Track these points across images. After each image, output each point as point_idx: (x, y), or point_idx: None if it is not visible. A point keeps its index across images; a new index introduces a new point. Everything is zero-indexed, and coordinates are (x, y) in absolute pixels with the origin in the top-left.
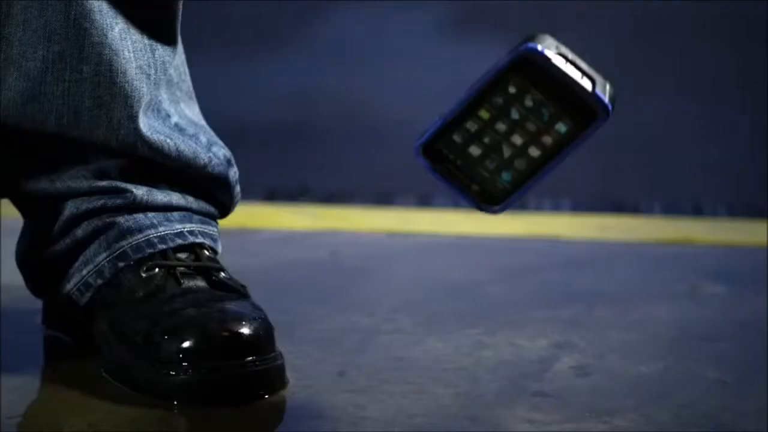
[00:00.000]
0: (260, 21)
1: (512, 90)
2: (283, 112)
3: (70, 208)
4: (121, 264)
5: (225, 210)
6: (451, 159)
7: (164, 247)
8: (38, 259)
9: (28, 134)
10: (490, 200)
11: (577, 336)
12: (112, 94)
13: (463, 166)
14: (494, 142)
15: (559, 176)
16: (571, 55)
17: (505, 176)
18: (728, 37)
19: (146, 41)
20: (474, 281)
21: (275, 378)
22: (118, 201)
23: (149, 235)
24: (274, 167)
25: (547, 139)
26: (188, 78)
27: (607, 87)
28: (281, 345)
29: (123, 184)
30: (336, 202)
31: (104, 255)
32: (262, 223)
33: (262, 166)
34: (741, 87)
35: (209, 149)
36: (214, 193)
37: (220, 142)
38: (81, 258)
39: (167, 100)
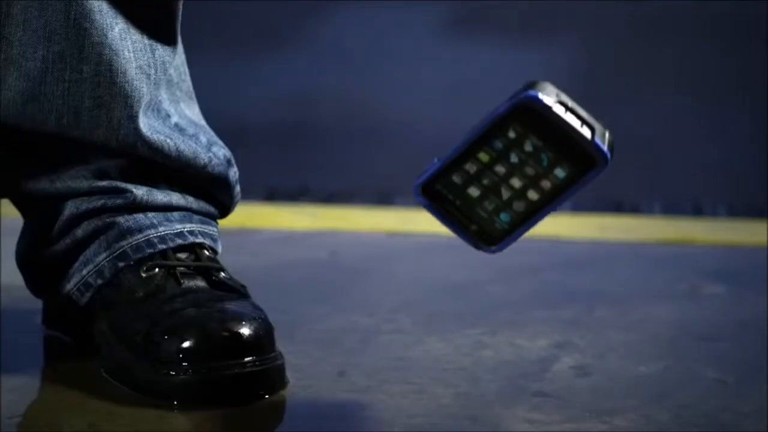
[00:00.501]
0: (260, 21)
1: (512, 135)
2: (283, 112)
3: (70, 208)
4: (121, 264)
5: (225, 210)
6: (450, 199)
7: (164, 247)
8: (38, 259)
9: (28, 134)
10: (488, 240)
11: (577, 336)
12: (112, 94)
13: (462, 206)
14: (493, 184)
15: None
16: (570, 103)
17: (504, 217)
18: (728, 37)
19: (146, 41)
20: (474, 281)
21: (275, 378)
22: (118, 201)
23: (149, 235)
24: (274, 167)
25: (546, 184)
26: (188, 78)
27: (606, 135)
28: (281, 345)
29: (123, 184)
30: (336, 202)
31: (104, 255)
32: (262, 223)
33: (262, 166)
34: (741, 87)
35: (209, 149)
36: (214, 193)
37: (220, 142)
38: (81, 258)
39: (167, 100)
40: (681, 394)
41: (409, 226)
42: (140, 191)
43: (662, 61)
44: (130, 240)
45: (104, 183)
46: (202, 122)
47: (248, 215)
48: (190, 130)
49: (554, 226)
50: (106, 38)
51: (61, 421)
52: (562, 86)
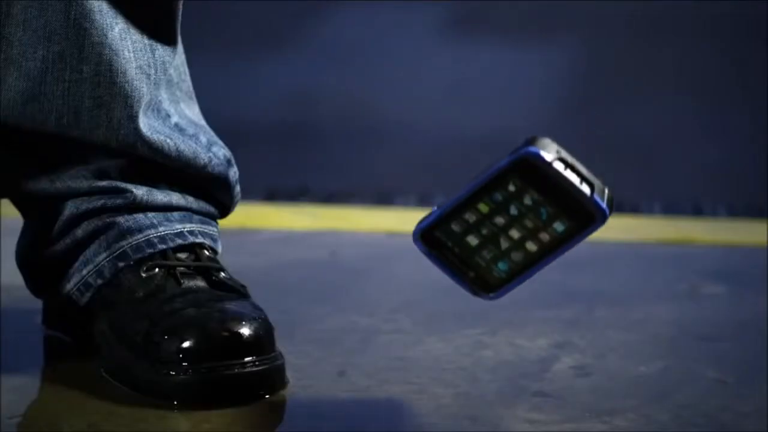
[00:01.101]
0: (260, 21)
1: (512, 188)
2: (283, 112)
3: (70, 208)
4: (121, 264)
5: (225, 210)
6: (449, 246)
7: (164, 247)
8: (38, 259)
9: (28, 134)
10: (485, 287)
11: (577, 336)
12: (112, 94)
13: (460, 253)
14: (492, 234)
15: None
16: (570, 160)
17: (502, 266)
18: (728, 37)
19: (146, 41)
20: None
21: (275, 378)
22: (118, 201)
23: (149, 235)
24: (274, 167)
25: (545, 236)
26: (188, 78)
27: (605, 191)
28: (281, 345)
29: (123, 184)
30: (336, 202)
31: (104, 255)
32: (262, 223)
33: (262, 166)
34: (741, 87)
35: (209, 149)
36: (214, 193)
37: (220, 142)
38: (81, 258)
39: (167, 100)
40: (681, 394)
41: (409, 226)
42: (140, 191)
43: (662, 61)
44: (130, 240)
45: (104, 183)
46: (202, 122)
47: (248, 215)
48: (190, 130)
49: None
50: (106, 38)
51: (61, 421)
52: (561, 89)
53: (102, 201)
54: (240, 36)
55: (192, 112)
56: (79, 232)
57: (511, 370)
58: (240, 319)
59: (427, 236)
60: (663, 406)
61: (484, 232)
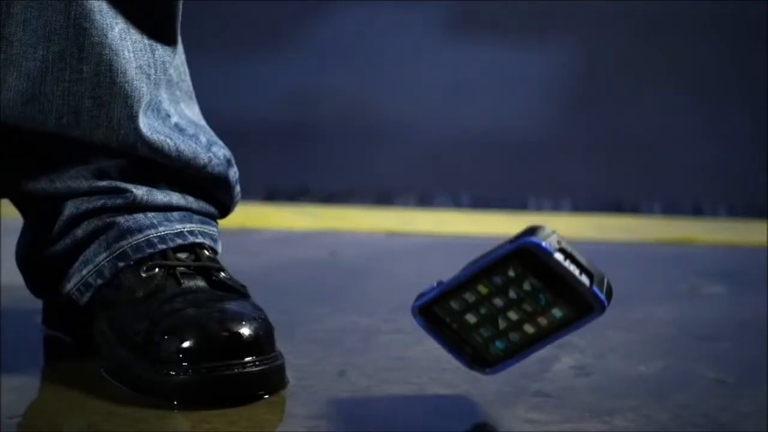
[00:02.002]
0: (260, 21)
1: (512, 274)
2: (283, 112)
3: (70, 208)
4: (121, 264)
5: (225, 210)
6: (447, 321)
7: (164, 247)
8: (38, 259)
9: (28, 134)
10: (482, 363)
11: (577, 336)
12: (112, 94)
13: (458, 329)
14: (491, 314)
15: (560, 176)
16: (570, 250)
17: (499, 345)
18: (728, 37)
19: (146, 41)
20: None
21: (275, 378)
22: (118, 201)
23: (149, 235)
24: (274, 167)
25: (543, 321)
26: (188, 78)
27: (605, 282)
28: (281, 345)
29: (123, 184)
30: (336, 202)
31: (104, 255)
32: (262, 223)
33: (262, 166)
34: (741, 87)
35: (209, 149)
36: (214, 193)
37: (220, 142)
38: (81, 258)
39: (167, 100)
40: (681, 394)
41: (409, 226)
42: (140, 191)
43: (662, 61)
44: (130, 240)
45: (104, 183)
46: (202, 122)
47: (248, 215)
48: (190, 130)
49: (554, 226)
50: (106, 38)
51: (61, 421)
52: (561, 89)
53: (102, 201)
54: (240, 36)
55: (192, 112)
56: (79, 232)
57: (510, 370)
58: (240, 319)
59: (425, 311)
60: (663, 406)
61: (483, 311)
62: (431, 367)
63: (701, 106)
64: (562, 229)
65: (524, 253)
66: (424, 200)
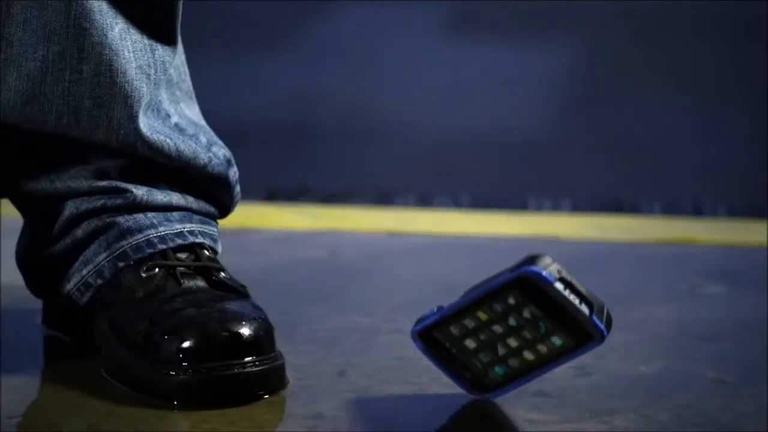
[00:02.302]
0: (260, 21)
1: (512, 302)
2: (283, 112)
3: (70, 208)
4: (121, 264)
5: (225, 210)
6: (447, 346)
7: (164, 247)
8: (38, 259)
9: (28, 134)
10: (481, 388)
11: None
12: (112, 94)
13: (458, 354)
14: (490, 340)
15: (560, 176)
16: (570, 279)
17: (498, 370)
18: (728, 37)
19: (146, 41)
20: (474, 281)
21: (275, 378)
22: (118, 201)
23: (149, 235)
24: (274, 167)
25: (543, 348)
26: (188, 78)
27: (604, 311)
28: (281, 345)
29: (123, 184)
30: (336, 202)
31: (104, 255)
32: (262, 223)
33: (262, 166)
34: (741, 87)
35: (209, 149)
36: (214, 193)
37: (220, 142)
38: (81, 258)
39: (167, 100)
40: (681, 394)
41: (409, 226)
42: (140, 191)
43: (662, 61)
44: (130, 240)
45: (104, 183)
46: (202, 122)
47: (248, 215)
48: (190, 130)
49: (554, 226)
50: (106, 38)
51: (61, 421)
52: (561, 89)
53: (102, 201)
54: (240, 36)
55: (192, 112)
56: (79, 232)
57: None
58: (240, 319)
59: (425, 336)
60: (663, 406)
61: (482, 337)
62: (431, 367)
63: (701, 106)
64: (562, 229)
65: (525, 281)
66: (424, 200)
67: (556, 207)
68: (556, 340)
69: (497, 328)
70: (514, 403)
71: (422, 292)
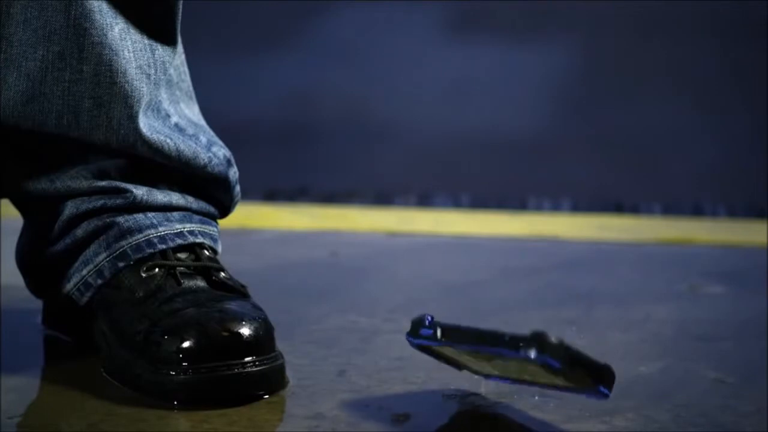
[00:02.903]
0: (260, 21)
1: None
2: (283, 111)
3: (70, 208)
4: (121, 264)
5: (225, 210)
6: (444, 354)
7: (164, 247)
8: (38, 259)
9: (28, 134)
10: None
11: (577, 336)
12: (112, 94)
13: (455, 362)
14: (489, 361)
15: (560, 176)
16: (576, 356)
17: (494, 378)
18: (728, 37)
19: (146, 41)
20: (474, 281)
21: (275, 378)
22: (118, 201)
23: (149, 235)
24: (274, 167)
25: (542, 380)
26: (188, 78)
27: (610, 376)
28: (281, 345)
29: (123, 184)
30: (336, 202)
31: (104, 255)
32: (262, 223)
33: (262, 166)
34: (741, 87)
35: (209, 149)
36: (214, 193)
37: (220, 142)
38: (81, 258)
39: (167, 100)
40: (681, 394)
41: (409, 226)
42: (140, 191)
43: (662, 61)
44: (130, 240)
45: (104, 183)
46: (202, 122)
47: (248, 215)
48: (190, 130)
49: (554, 226)
50: (106, 38)
51: (61, 421)
52: (561, 89)
53: (102, 201)
54: (240, 36)
55: (192, 112)
56: (79, 232)
57: None
58: (240, 319)
59: (421, 346)
60: (663, 406)
61: (481, 360)
62: (431, 367)
63: (701, 106)
64: (562, 229)
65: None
66: (424, 200)
67: (555, 207)
68: (558, 382)
69: (497, 361)
70: (514, 403)
71: (422, 292)
